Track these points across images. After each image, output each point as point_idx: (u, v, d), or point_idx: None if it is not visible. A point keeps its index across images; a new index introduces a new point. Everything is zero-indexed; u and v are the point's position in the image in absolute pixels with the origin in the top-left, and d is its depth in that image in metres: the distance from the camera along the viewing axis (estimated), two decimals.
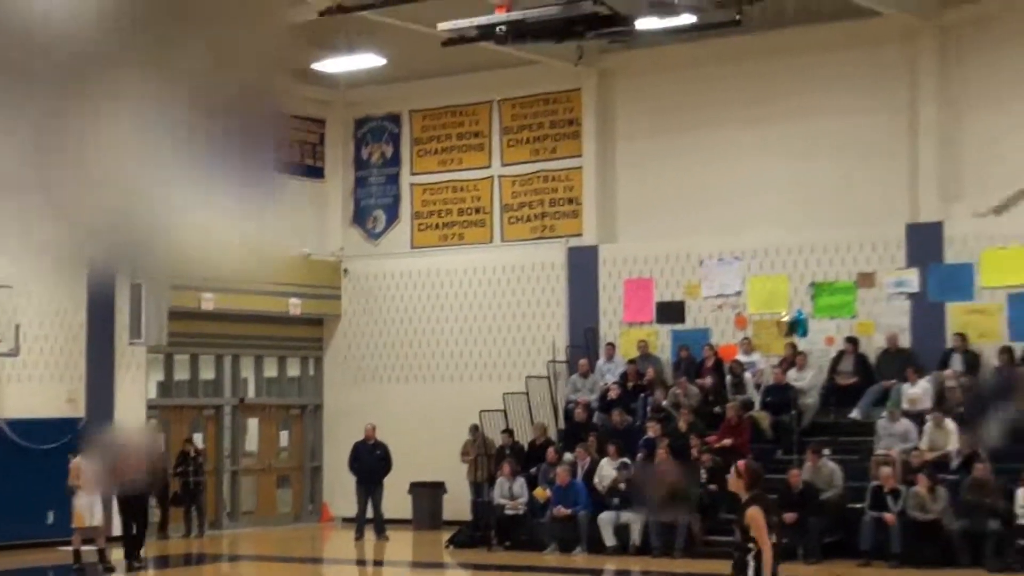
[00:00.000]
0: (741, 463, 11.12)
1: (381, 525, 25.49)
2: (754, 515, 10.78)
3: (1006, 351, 22.66)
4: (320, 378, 29.77)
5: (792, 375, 23.85)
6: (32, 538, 24.03)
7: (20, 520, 24.03)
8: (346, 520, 27.28)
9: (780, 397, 23.55)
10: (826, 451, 22.17)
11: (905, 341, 23.79)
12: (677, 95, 26.43)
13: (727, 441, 22.92)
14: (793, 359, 24.04)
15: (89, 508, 20.69)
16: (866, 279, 24.32)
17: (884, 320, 24.05)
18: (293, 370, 29.70)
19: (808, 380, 23.81)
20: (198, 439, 27.52)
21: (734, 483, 11.02)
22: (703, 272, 25.82)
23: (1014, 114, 23.38)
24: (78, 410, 25.07)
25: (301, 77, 28.15)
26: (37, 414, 24.44)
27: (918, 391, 22.67)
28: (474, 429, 25.88)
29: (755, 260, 25.31)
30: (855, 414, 23.30)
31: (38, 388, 24.61)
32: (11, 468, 23.62)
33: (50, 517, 24.45)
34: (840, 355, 24.08)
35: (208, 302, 27.14)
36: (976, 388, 22.27)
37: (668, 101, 26.53)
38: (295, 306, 28.68)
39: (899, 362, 23.30)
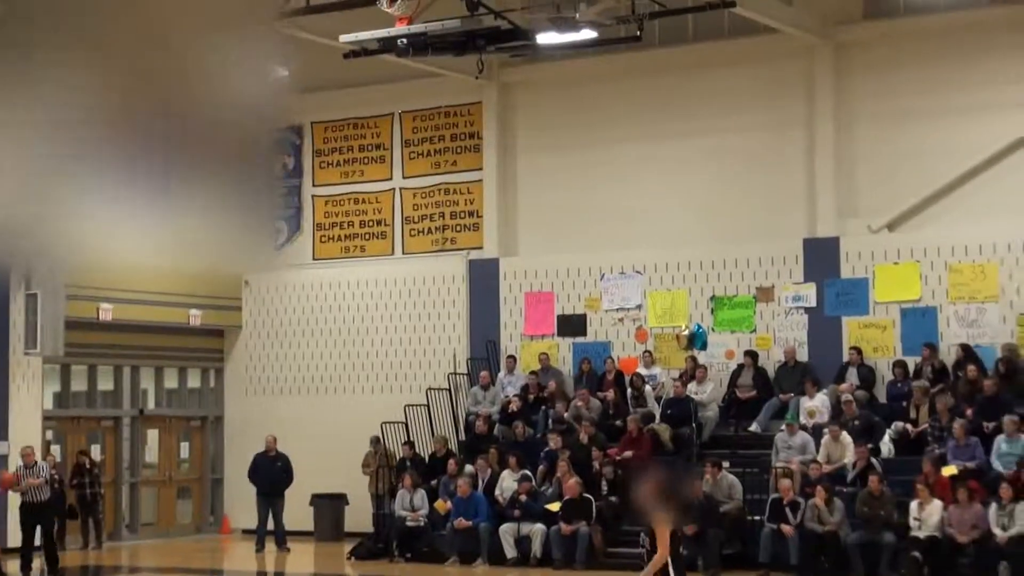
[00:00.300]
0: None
1: (282, 537, 25.44)
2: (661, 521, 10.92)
3: (899, 365, 23.12)
4: (221, 389, 29.63)
5: (692, 388, 24.11)
6: None
7: None
8: (247, 532, 27.16)
9: (680, 410, 23.79)
10: (726, 464, 22.43)
11: (803, 355, 24.16)
12: (578, 110, 26.62)
13: (628, 453, 23.12)
14: (693, 372, 24.31)
15: None
16: (765, 293, 24.66)
17: (782, 334, 24.41)
18: (193, 381, 29.53)
19: (708, 393, 24.09)
20: (96, 451, 27.28)
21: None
22: (604, 285, 26.02)
23: (907, 132, 23.85)
24: None
25: None
26: None
27: (816, 404, 23.02)
28: (375, 441, 25.90)
29: (655, 274, 25.56)
30: (754, 427, 23.63)
31: None
32: None
33: None
34: (740, 368, 24.40)
35: (106, 312, 26.94)
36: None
37: (569, 115, 26.72)
38: (195, 317, 28.54)
39: (797, 375, 23.67)
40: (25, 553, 21.51)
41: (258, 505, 25.90)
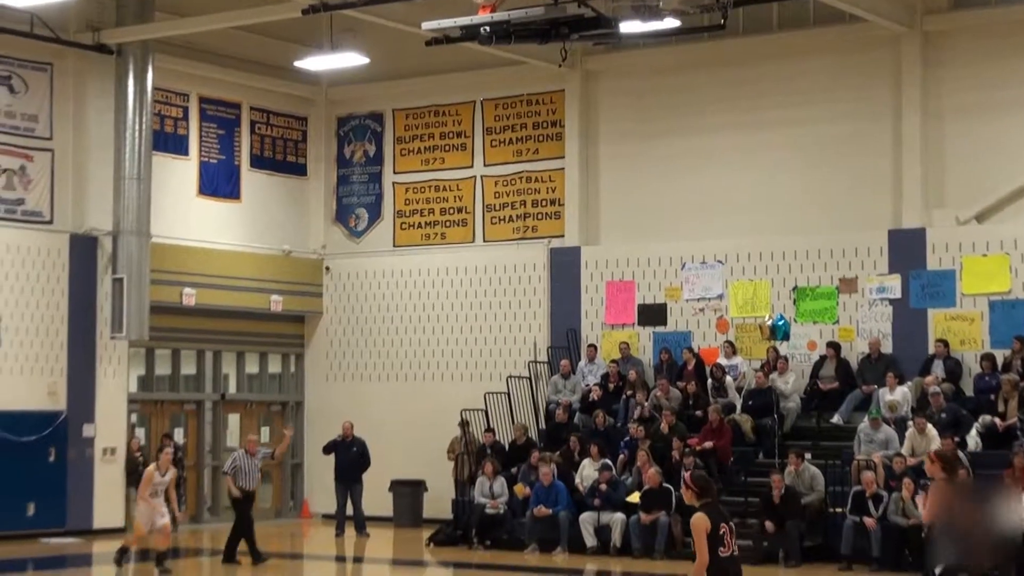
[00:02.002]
0: (688, 475, 11.17)
1: (361, 522, 25.55)
2: (695, 522, 10.73)
3: (987, 358, 22.86)
4: (301, 375, 29.79)
5: (774, 379, 23.97)
6: (12, 529, 24.02)
7: (10, 510, 24.04)
8: (326, 516, 27.31)
9: (762, 401, 23.66)
10: (807, 455, 22.29)
11: (887, 347, 23.95)
12: (661, 98, 26.53)
13: (708, 444, 23.01)
14: (775, 363, 24.16)
15: (149, 517, 20.15)
16: (848, 285, 24.47)
17: (866, 325, 24.21)
18: (274, 367, 29.71)
19: (790, 384, 23.93)
20: (178, 434, 27.52)
21: (687, 496, 11.01)
22: (685, 275, 25.92)
23: (996, 122, 23.58)
24: (59, 403, 25.04)
25: (284, 74, 28.23)
26: (19, 406, 24.40)
27: (898, 397, 22.80)
28: (464, 424, 25.85)
29: (737, 264, 25.42)
30: (836, 419, 23.46)
31: (20, 381, 24.56)
32: None
33: (30, 509, 24.49)
34: (822, 360, 24.23)
35: (190, 297, 27.16)
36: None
37: (652, 104, 26.63)
38: (276, 303, 28.71)
39: (881, 368, 23.44)
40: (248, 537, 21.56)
41: (336, 490, 26.04)
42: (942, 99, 24.02)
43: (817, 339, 24.58)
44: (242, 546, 21.38)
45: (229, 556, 21.44)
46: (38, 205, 25.07)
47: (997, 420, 21.86)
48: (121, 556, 20.53)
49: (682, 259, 25.95)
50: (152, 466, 20.33)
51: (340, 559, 24.26)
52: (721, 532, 10.64)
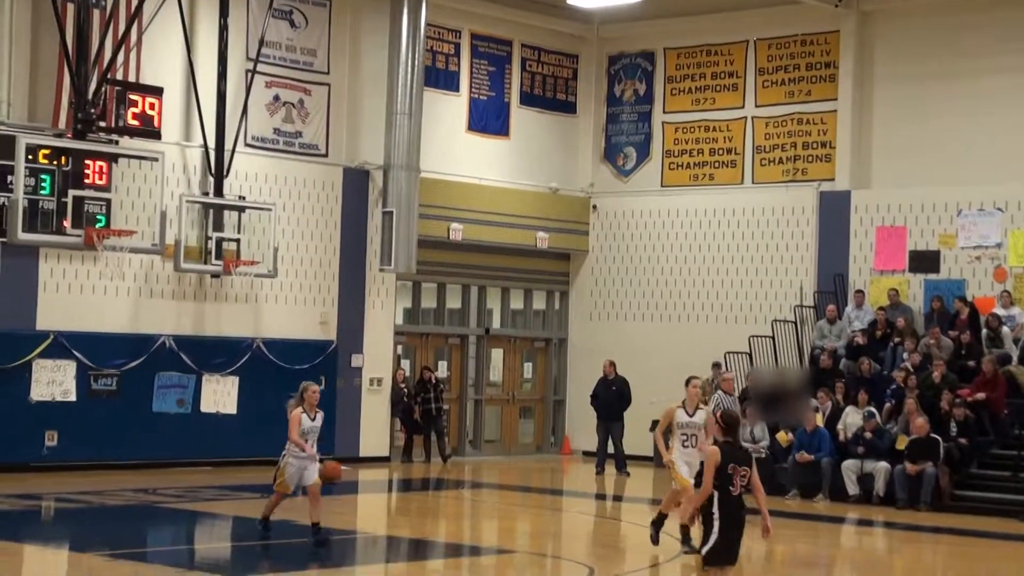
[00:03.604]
0: (719, 412, 11.59)
1: (622, 461, 25.62)
2: (709, 453, 11.23)
3: None
4: (565, 312, 29.94)
5: None
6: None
7: (273, 437, 24.61)
8: (587, 454, 27.47)
9: None
10: None
11: None
12: (938, 39, 25.78)
13: (981, 395, 22.39)
14: None
15: (299, 472, 16.09)
16: None
17: None
18: (539, 303, 29.91)
19: None
20: (442, 367, 27.94)
21: (714, 430, 11.46)
22: (961, 222, 25.22)
23: None
24: (330, 333, 25.63)
25: (556, 12, 28.25)
26: (292, 335, 25.06)
27: None
28: (716, 366, 25.53)
29: (1019, 212, 24.60)
30: None
31: (293, 310, 25.21)
32: (266, 386, 24.27)
33: None
34: None
35: (456, 232, 27.48)
36: None
37: (929, 45, 25.90)
38: (543, 240, 28.87)
39: None
40: None
41: (597, 428, 26.16)
42: None
43: None
44: None
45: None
46: (315, 138, 25.63)
47: None
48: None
49: (958, 205, 25.24)
50: (298, 409, 16.40)
51: (600, 496, 24.38)
52: (729, 471, 11.01)
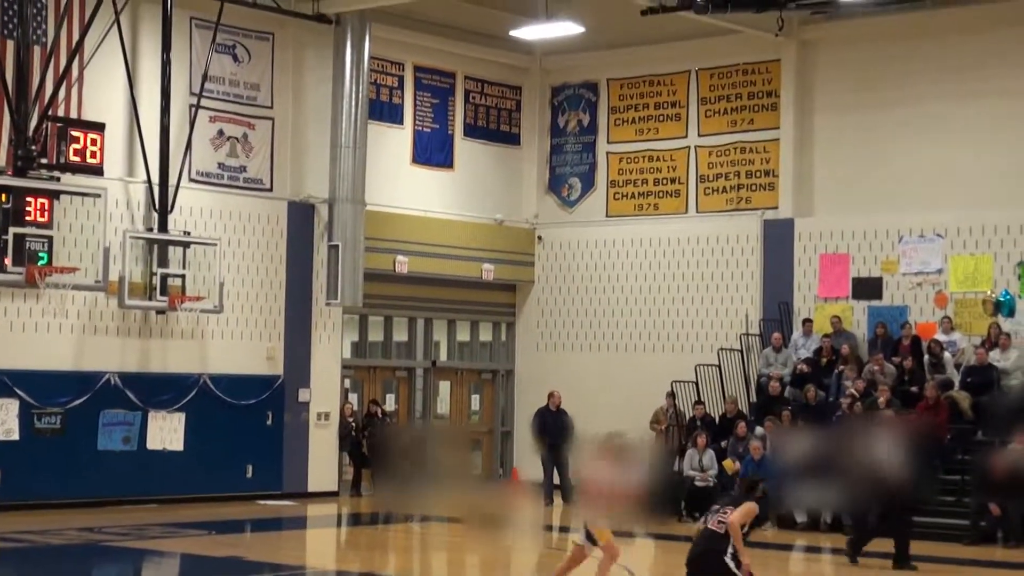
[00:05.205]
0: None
1: (568, 491, 25.60)
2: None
3: None
4: (512, 343, 29.97)
5: (995, 356, 23.34)
6: (231, 491, 24.61)
7: (220, 473, 24.62)
8: (537, 484, 27.43)
9: (982, 378, 23.06)
10: None
11: None
12: (879, 68, 26.01)
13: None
14: (997, 339, 23.53)
15: None
16: None
17: None
18: (485, 335, 29.92)
19: (1012, 361, 23.26)
20: (390, 400, 27.90)
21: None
22: (902, 248, 25.43)
23: None
24: (277, 368, 25.55)
25: (499, 44, 28.34)
26: (238, 370, 24.96)
27: None
28: (670, 396, 25.69)
29: (958, 238, 24.83)
30: None
31: (239, 345, 25.11)
32: (213, 422, 24.18)
33: (249, 471, 25.03)
34: None
35: (402, 265, 27.47)
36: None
37: (870, 74, 26.12)
38: (488, 271, 28.91)
39: None
40: None
41: (543, 459, 26.15)
42: None
43: None
44: None
45: None
46: (259, 172, 25.59)
47: None
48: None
49: (899, 232, 25.44)
50: None
51: (548, 528, 24.34)
52: None
